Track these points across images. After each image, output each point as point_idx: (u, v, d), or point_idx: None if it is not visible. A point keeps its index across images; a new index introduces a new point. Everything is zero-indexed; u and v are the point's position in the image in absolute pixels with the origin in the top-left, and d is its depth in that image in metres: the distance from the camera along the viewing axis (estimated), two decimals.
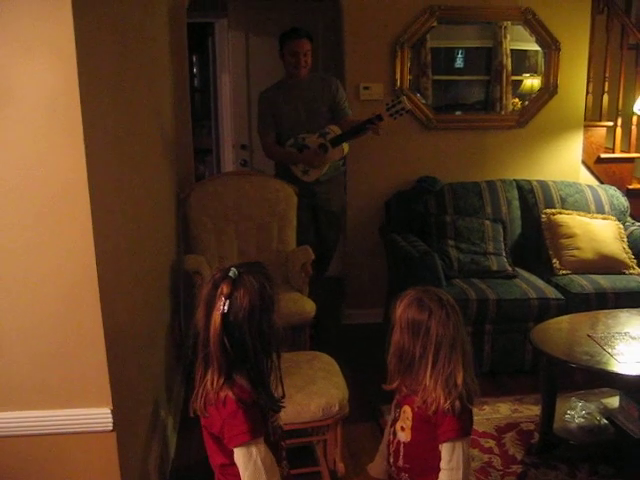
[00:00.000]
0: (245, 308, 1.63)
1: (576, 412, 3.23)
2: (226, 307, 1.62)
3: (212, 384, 1.67)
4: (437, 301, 1.80)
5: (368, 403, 3.48)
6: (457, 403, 1.77)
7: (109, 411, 1.96)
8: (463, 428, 1.80)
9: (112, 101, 2.18)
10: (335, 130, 4.15)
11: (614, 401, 3.26)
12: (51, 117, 1.75)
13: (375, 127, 4.00)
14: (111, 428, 1.99)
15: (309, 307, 3.67)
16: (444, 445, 1.79)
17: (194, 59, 7.19)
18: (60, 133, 1.76)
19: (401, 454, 1.90)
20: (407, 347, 1.80)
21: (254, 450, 1.70)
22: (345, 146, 4.20)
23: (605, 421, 3.17)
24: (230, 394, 1.68)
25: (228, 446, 1.72)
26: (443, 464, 1.80)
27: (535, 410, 3.41)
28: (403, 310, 1.82)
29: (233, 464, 1.74)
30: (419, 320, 1.79)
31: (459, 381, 1.77)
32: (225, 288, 1.63)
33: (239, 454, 1.71)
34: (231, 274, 1.65)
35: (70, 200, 1.80)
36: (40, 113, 1.74)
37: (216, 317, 1.63)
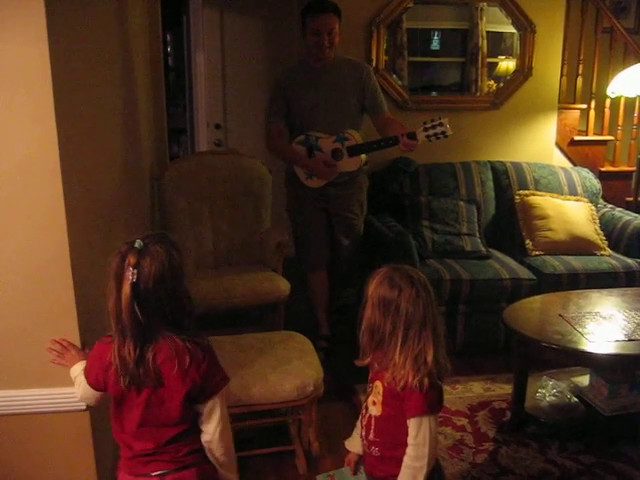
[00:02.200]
0: (154, 275, 1.65)
1: (547, 390, 3.28)
2: (134, 277, 1.64)
3: (130, 354, 1.68)
4: (407, 279, 1.82)
5: (342, 382, 3.50)
6: (425, 380, 1.79)
7: None
8: (430, 405, 1.82)
9: (84, 77, 2.15)
10: (355, 137, 3.64)
11: (584, 379, 3.32)
12: (23, 92, 1.72)
13: (407, 144, 3.44)
14: (84, 407, 1.99)
15: (283, 286, 3.67)
16: (411, 420, 1.82)
17: (168, 37, 7.10)
18: (32, 109, 1.73)
19: (372, 428, 1.92)
20: (378, 324, 1.82)
21: (224, 393, 1.80)
22: (363, 156, 3.74)
23: (575, 399, 3.22)
24: (202, 345, 1.74)
25: (212, 395, 1.76)
26: (410, 439, 1.82)
27: (507, 389, 3.46)
28: (375, 287, 1.84)
29: (189, 429, 1.78)
30: (389, 298, 1.81)
31: (429, 358, 1.79)
32: (132, 258, 1.65)
33: (217, 399, 1.77)
34: (136, 245, 1.67)
35: (41, 176, 1.78)
36: (11, 89, 1.71)
37: (126, 287, 1.64)
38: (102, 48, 2.47)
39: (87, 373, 1.83)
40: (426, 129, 3.45)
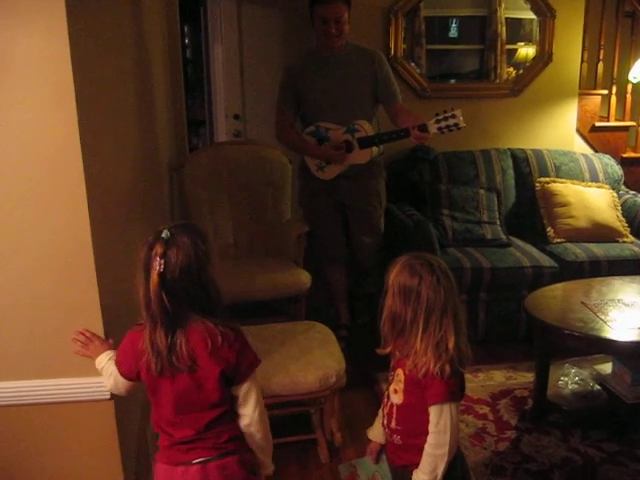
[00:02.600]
0: (180, 265, 1.68)
1: (569, 378, 3.26)
2: (162, 266, 1.67)
3: (161, 341, 1.71)
4: (428, 267, 1.81)
5: (364, 371, 3.51)
6: (447, 367, 1.78)
7: None
8: (452, 392, 1.81)
9: (105, 71, 2.16)
10: (366, 128, 3.53)
11: (607, 367, 3.30)
12: (44, 87, 1.74)
13: (418, 136, 3.36)
14: (109, 397, 2.01)
15: (305, 278, 3.67)
16: (432, 408, 1.82)
17: (185, 30, 7.11)
18: (52, 104, 1.75)
19: (394, 416, 1.92)
20: (399, 312, 1.82)
21: (256, 377, 1.84)
22: (375, 148, 3.63)
23: (598, 387, 3.21)
24: (233, 327, 1.77)
25: (245, 377, 1.80)
26: (431, 427, 1.82)
27: (529, 377, 3.44)
28: (395, 275, 1.84)
29: (227, 411, 1.81)
30: (410, 285, 1.80)
31: (450, 345, 1.79)
32: (159, 248, 1.68)
33: (252, 381, 1.82)
34: (163, 235, 1.70)
35: (64, 170, 1.80)
36: (32, 83, 1.73)
37: (154, 277, 1.67)
38: (117, 40, 2.48)
39: (119, 362, 1.85)
40: (438, 121, 3.33)
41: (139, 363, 1.76)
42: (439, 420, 1.81)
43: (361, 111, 3.58)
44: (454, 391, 1.82)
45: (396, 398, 1.91)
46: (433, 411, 1.82)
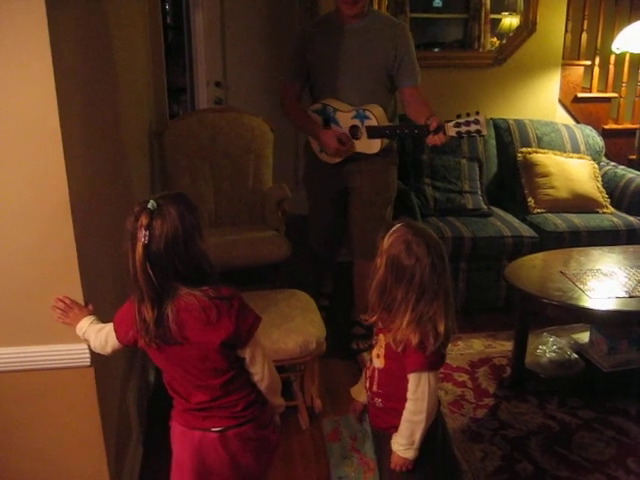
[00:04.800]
0: (165, 237, 1.64)
1: (547, 347, 3.31)
2: (146, 238, 1.63)
3: (148, 314, 1.68)
4: (425, 247, 1.78)
5: (344, 340, 3.52)
6: (431, 345, 1.78)
7: (86, 346, 1.96)
8: (431, 361, 1.82)
9: (82, 36, 2.12)
10: (377, 115, 3.10)
11: (584, 336, 3.35)
12: (21, 51, 1.70)
13: (434, 140, 2.96)
14: (89, 363, 2.00)
15: (285, 246, 3.67)
16: (411, 375, 1.83)
17: None
18: (29, 66, 1.71)
19: (375, 380, 1.94)
20: (389, 288, 1.81)
21: (258, 332, 1.83)
22: (385, 140, 3.20)
23: (575, 355, 3.25)
24: (227, 295, 1.74)
25: (247, 340, 1.78)
26: (409, 394, 1.84)
27: (508, 346, 3.48)
28: (391, 247, 1.81)
29: (237, 374, 1.81)
30: (405, 265, 1.78)
31: (440, 329, 1.78)
32: (144, 219, 1.63)
33: (255, 341, 1.81)
34: (149, 206, 1.65)
35: (41, 134, 1.76)
36: (9, 47, 1.69)
37: (138, 249, 1.63)
38: (100, 7, 2.44)
39: (117, 326, 1.83)
40: (458, 124, 2.91)
41: (135, 332, 1.75)
42: (417, 388, 1.82)
43: (374, 94, 3.19)
44: (433, 362, 1.83)
45: (378, 362, 1.93)
46: (411, 379, 1.83)
